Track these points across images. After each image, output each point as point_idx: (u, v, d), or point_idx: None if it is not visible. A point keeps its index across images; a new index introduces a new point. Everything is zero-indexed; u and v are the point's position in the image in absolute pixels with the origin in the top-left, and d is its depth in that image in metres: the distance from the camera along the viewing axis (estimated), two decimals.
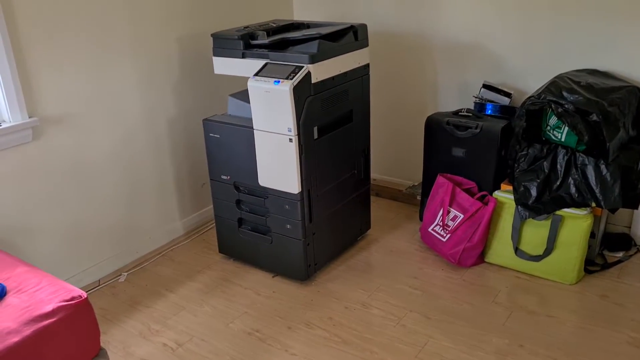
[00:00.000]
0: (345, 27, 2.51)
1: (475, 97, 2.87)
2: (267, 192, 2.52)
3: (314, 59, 2.29)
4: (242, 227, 2.70)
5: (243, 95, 2.65)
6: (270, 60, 2.38)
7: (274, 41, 2.44)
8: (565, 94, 2.39)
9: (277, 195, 2.48)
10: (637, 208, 2.47)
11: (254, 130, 2.41)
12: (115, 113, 2.61)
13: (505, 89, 2.83)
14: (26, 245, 2.36)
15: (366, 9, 3.20)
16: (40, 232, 2.40)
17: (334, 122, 2.53)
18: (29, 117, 2.26)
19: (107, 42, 2.50)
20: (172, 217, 3.01)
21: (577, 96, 2.36)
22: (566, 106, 2.36)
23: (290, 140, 2.32)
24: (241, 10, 3.12)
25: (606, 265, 2.62)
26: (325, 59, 2.36)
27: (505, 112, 2.80)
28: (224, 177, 2.64)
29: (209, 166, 2.68)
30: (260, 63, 2.39)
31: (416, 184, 3.34)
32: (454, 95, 3.09)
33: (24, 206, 2.33)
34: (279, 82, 2.26)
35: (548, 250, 2.52)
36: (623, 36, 2.56)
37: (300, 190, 2.41)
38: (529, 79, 2.84)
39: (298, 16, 3.49)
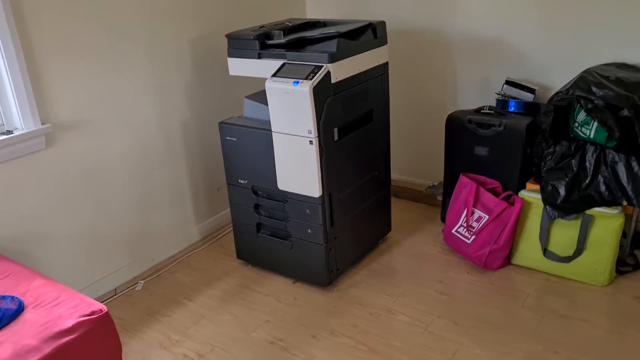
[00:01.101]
0: (363, 25, 2.44)
1: (498, 94, 2.79)
2: (286, 196, 2.45)
3: (333, 58, 2.22)
4: (261, 232, 2.63)
5: (259, 97, 2.58)
6: (288, 60, 2.31)
7: (291, 40, 2.37)
8: (594, 89, 2.30)
9: (297, 199, 2.41)
10: None
11: (273, 133, 2.34)
12: (129, 118, 2.54)
13: (529, 85, 2.74)
14: (41, 255, 2.30)
15: (381, 6, 3.12)
16: (55, 241, 2.34)
17: (354, 122, 2.45)
18: (42, 124, 2.20)
19: (119, 46, 2.44)
20: (188, 223, 2.95)
21: (606, 91, 2.27)
22: (595, 102, 2.27)
23: (311, 142, 2.25)
24: (253, 10, 3.05)
25: (638, 266, 2.53)
26: (345, 58, 2.28)
27: (529, 108, 2.72)
28: (242, 181, 2.57)
29: (225, 170, 2.61)
30: (277, 63, 2.32)
31: (436, 183, 3.26)
32: (474, 93, 3.00)
33: (38, 215, 2.27)
34: (298, 82, 2.19)
35: (578, 251, 2.43)
36: None
37: (321, 193, 2.34)
38: (552, 74, 2.75)
39: (311, 14, 3.41)
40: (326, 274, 2.49)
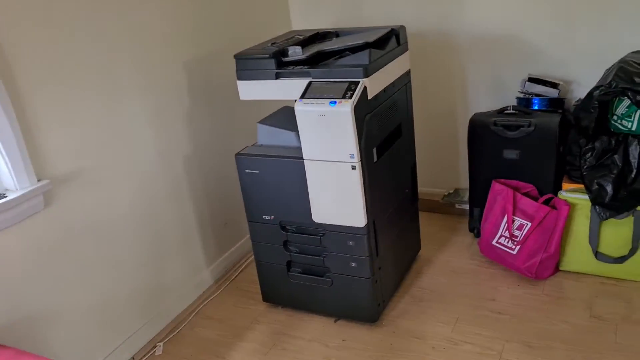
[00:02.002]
0: (387, 32, 2.22)
1: (521, 92, 2.64)
2: (323, 229, 2.19)
3: (367, 72, 1.98)
4: (292, 271, 2.35)
5: (274, 121, 2.32)
6: (313, 78, 2.05)
7: (311, 55, 2.12)
8: (637, 79, 2.18)
9: (337, 231, 2.16)
10: None
11: (305, 161, 2.08)
12: (129, 159, 2.21)
13: (552, 80, 2.61)
14: (50, 335, 1.94)
15: (376, 9, 2.91)
16: (62, 316, 1.98)
17: (387, 139, 2.23)
18: (38, 181, 1.84)
19: (113, 80, 2.11)
20: (199, 267, 2.63)
21: None
22: None
23: (354, 167, 2.00)
24: (241, 27, 2.77)
25: None
26: (378, 70, 2.06)
27: (555, 104, 2.59)
28: (267, 218, 2.29)
29: (246, 207, 2.32)
30: (300, 83, 2.06)
31: (451, 191, 3.10)
32: (487, 94, 2.85)
33: (41, 289, 1.90)
34: (335, 102, 1.94)
35: (633, 250, 2.31)
36: None
37: (366, 222, 2.10)
38: (572, 67, 2.63)
39: (296, 26, 3.16)
40: (373, 308, 2.26)
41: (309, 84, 2.04)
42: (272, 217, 2.27)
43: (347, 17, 2.99)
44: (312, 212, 2.16)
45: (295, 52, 2.15)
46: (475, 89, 2.87)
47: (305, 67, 2.09)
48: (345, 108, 1.91)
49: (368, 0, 2.92)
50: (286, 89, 2.11)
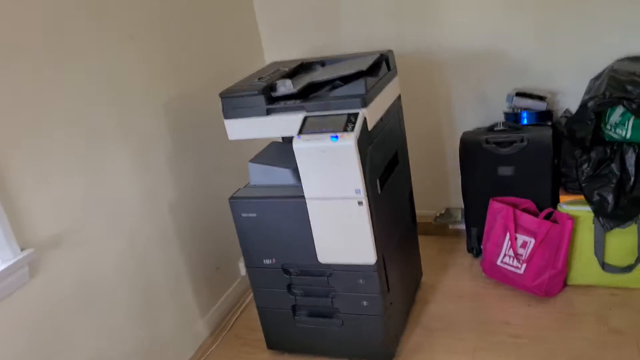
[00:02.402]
0: (376, 57, 2.15)
1: (509, 107, 2.61)
2: (330, 269, 2.08)
3: (366, 102, 1.89)
4: (298, 314, 2.22)
5: (266, 159, 2.21)
6: (308, 112, 1.95)
7: (303, 88, 2.02)
8: (629, 87, 2.18)
9: (345, 270, 2.05)
10: None
11: (307, 200, 1.96)
12: (113, 212, 2.04)
13: (539, 94, 2.59)
14: None
15: (351, 36, 2.85)
16: None
17: (387, 168, 2.15)
18: (22, 251, 1.66)
19: (91, 130, 1.95)
20: (193, 319, 2.46)
21: None
22: (637, 100, 2.14)
23: (360, 203, 1.90)
24: (215, 63, 2.64)
25: None
26: (374, 98, 1.97)
27: (543, 117, 2.57)
28: (268, 262, 2.15)
29: (243, 252, 2.18)
30: (293, 118, 1.95)
31: (443, 212, 3.04)
32: (473, 110, 2.81)
33: None
34: (337, 137, 1.84)
35: (639, 259, 2.29)
36: None
37: (376, 259, 1.99)
38: (555, 79, 2.62)
39: (269, 56, 3.06)
40: (387, 346, 2.15)
41: (305, 118, 1.94)
42: (274, 260, 2.14)
43: (322, 44, 2.90)
44: (317, 252, 2.04)
45: (286, 86, 2.04)
46: (461, 107, 2.83)
47: (298, 101, 1.99)
48: (349, 142, 1.82)
49: (344, 24, 2.86)
50: (278, 126, 2.01)
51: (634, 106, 2.14)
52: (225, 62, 2.71)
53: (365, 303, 2.08)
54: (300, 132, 1.91)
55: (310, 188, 1.94)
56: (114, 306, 2.03)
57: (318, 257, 2.05)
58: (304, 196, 1.97)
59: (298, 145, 1.89)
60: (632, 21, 2.43)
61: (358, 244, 1.97)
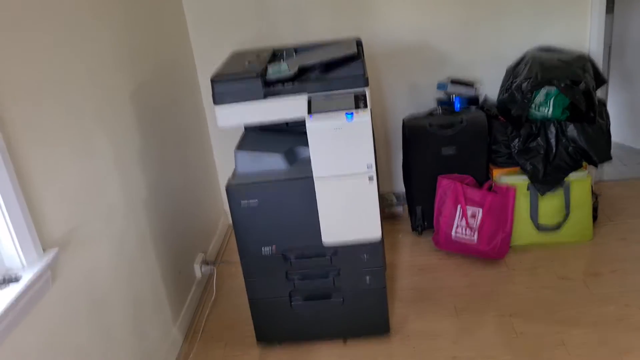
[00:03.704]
0: (357, 42, 2.25)
1: (445, 93, 2.88)
2: (333, 249, 2.10)
3: (367, 82, 1.98)
4: (294, 301, 2.20)
5: (252, 146, 2.17)
6: (309, 93, 1.97)
7: (296, 72, 2.03)
8: (555, 71, 2.57)
9: (350, 248, 2.09)
10: (611, 159, 2.78)
11: (315, 180, 1.98)
12: (107, 211, 1.84)
13: (468, 81, 2.90)
14: None
15: (288, 26, 2.90)
16: None
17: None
18: (44, 252, 1.44)
19: (83, 123, 1.74)
20: (168, 325, 2.28)
21: (563, 71, 2.56)
22: (564, 81, 2.53)
23: (371, 178, 1.98)
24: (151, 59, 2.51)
25: (596, 216, 2.90)
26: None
27: (472, 102, 2.88)
28: (266, 249, 2.11)
29: (240, 243, 2.10)
30: (293, 100, 1.96)
31: None
32: (403, 98, 3.04)
33: None
34: (352, 114, 1.89)
35: (566, 216, 2.70)
36: (553, 13, 2.87)
37: (381, 234, 2.08)
38: (474, 69, 2.97)
39: (199, 49, 2.97)
40: (386, 319, 2.24)
41: (310, 99, 1.96)
42: (273, 248, 2.10)
43: (254, 37, 2.89)
44: (322, 233, 2.06)
45: (281, 69, 2.03)
46: (392, 95, 3.04)
47: (296, 83, 2.00)
48: (365, 118, 1.89)
49: (278, 16, 2.89)
50: (276, 109, 1.99)
51: (562, 85, 2.52)
52: (166, 48, 2.58)
53: (368, 278, 2.15)
54: (310, 112, 1.92)
55: (320, 167, 1.96)
56: (112, 313, 1.82)
57: (323, 237, 2.07)
58: (309, 176, 1.98)
59: (312, 124, 1.90)
60: (538, 18, 2.86)
61: (366, 220, 2.04)
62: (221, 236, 3.12)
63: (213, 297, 2.61)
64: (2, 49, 1.37)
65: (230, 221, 3.21)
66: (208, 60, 2.89)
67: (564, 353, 2.06)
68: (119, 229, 1.93)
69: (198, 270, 2.64)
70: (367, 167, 1.96)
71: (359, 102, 1.92)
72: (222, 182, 3.23)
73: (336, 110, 1.91)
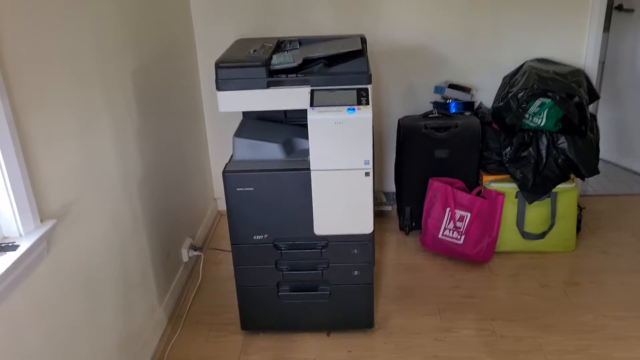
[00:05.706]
0: (361, 38, 2.27)
1: (442, 98, 2.92)
2: (324, 241, 2.13)
3: (370, 79, 2.01)
4: (282, 291, 2.22)
5: (250, 133, 2.18)
6: (313, 85, 1.99)
7: (303, 63, 2.05)
8: (550, 83, 2.62)
9: (342, 240, 2.12)
10: (599, 173, 2.84)
11: (311, 172, 2.00)
12: (101, 185, 1.84)
13: (464, 86, 2.94)
14: None
15: (290, 21, 2.92)
16: None
17: None
18: (41, 222, 1.44)
19: (86, 96, 1.74)
20: (154, 306, 2.29)
21: (559, 83, 2.62)
22: (559, 93, 2.58)
23: (367, 174, 2.00)
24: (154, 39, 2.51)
25: (580, 228, 2.97)
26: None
27: (468, 107, 2.93)
28: (258, 237, 2.12)
29: (232, 229, 2.11)
30: (296, 91, 1.98)
31: None
32: (401, 100, 3.07)
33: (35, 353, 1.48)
34: (353, 109, 1.92)
35: (551, 226, 2.75)
36: (552, 26, 2.92)
37: (373, 228, 2.11)
38: (471, 75, 3.01)
39: (201, 37, 2.97)
40: (372, 314, 2.27)
41: (312, 92, 1.98)
42: (265, 236, 2.12)
43: (256, 27, 2.90)
44: (314, 224, 2.08)
45: (286, 60, 2.05)
46: (388, 96, 3.07)
47: (300, 74, 2.01)
48: (367, 114, 1.91)
49: (279, 9, 2.91)
50: (278, 99, 2.01)
51: (557, 98, 2.58)
52: (164, 33, 2.57)
53: (356, 272, 2.18)
54: (312, 104, 1.94)
55: (318, 159, 1.98)
56: (101, 292, 1.82)
57: (315, 229, 2.09)
58: (306, 168, 2.00)
59: (313, 117, 1.92)
60: (537, 29, 2.91)
61: (359, 214, 2.07)
62: (209, 223, 3.12)
63: (198, 283, 2.62)
64: (14, 9, 1.37)
65: (219, 209, 3.29)
66: (209, 47, 2.90)
67: (541, 358, 2.11)
68: (114, 206, 1.93)
69: (185, 255, 2.64)
70: (365, 163, 1.99)
71: (361, 98, 1.95)
72: (214, 170, 3.23)
73: (338, 104, 1.93)
